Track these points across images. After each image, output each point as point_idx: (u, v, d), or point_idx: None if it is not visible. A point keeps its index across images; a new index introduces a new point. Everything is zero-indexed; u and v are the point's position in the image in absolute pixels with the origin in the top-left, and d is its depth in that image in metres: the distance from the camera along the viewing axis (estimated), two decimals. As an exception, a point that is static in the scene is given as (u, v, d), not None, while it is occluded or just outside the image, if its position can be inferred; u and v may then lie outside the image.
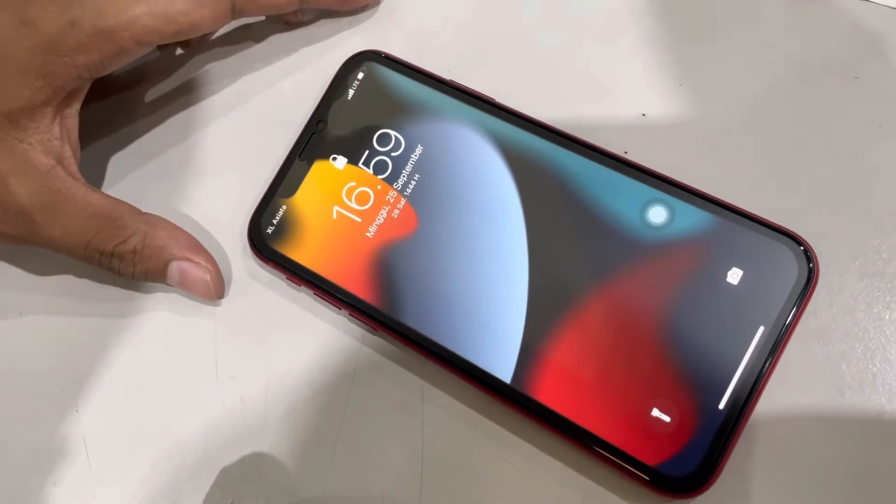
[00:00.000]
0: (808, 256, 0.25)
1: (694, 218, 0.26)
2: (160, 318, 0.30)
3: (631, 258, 0.26)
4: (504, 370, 0.26)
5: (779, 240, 0.25)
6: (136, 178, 0.32)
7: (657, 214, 0.27)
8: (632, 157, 0.28)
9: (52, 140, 0.27)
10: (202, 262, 0.29)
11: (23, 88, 0.26)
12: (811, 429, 0.25)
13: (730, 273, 0.25)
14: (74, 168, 0.28)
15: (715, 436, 0.24)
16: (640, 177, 0.27)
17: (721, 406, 0.24)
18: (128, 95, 0.33)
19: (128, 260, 0.29)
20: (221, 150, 0.32)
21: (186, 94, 0.33)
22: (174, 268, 0.29)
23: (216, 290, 0.30)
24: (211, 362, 0.30)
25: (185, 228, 0.30)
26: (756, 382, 0.24)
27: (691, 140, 0.29)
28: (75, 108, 0.28)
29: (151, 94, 0.33)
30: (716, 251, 0.26)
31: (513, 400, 0.26)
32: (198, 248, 0.30)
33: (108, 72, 0.28)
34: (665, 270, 0.26)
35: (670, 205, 0.27)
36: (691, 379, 0.25)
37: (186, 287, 0.30)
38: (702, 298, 0.25)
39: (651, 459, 0.25)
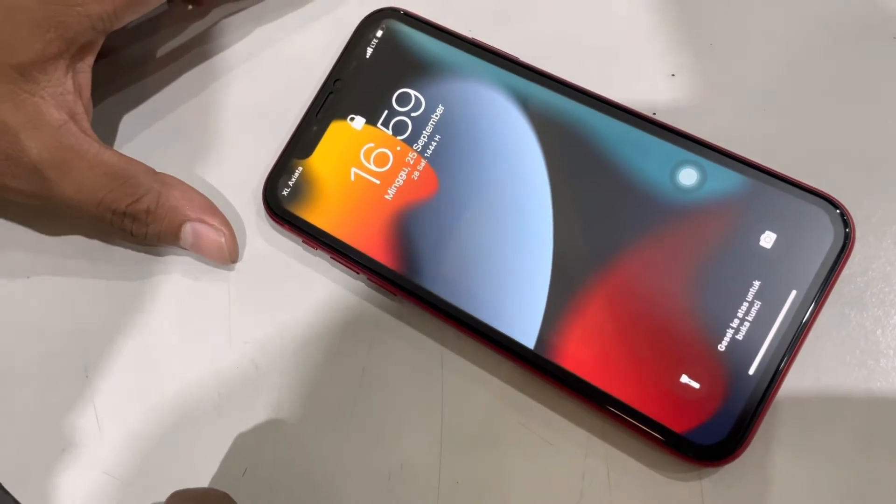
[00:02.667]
0: (845, 220, 0.24)
1: (726, 180, 0.25)
2: (172, 282, 0.30)
3: (660, 221, 0.25)
4: (527, 335, 0.26)
5: (814, 202, 0.25)
6: (147, 137, 0.31)
7: (688, 176, 0.26)
8: (661, 118, 0.27)
9: (64, 94, 0.26)
10: (217, 224, 0.29)
11: (34, 40, 0.25)
12: (844, 398, 0.25)
13: (763, 236, 0.25)
14: (87, 124, 0.27)
15: (745, 403, 0.24)
16: (671, 137, 0.26)
17: (752, 373, 0.24)
18: (139, 53, 0.32)
19: (140, 220, 0.28)
20: (235, 110, 0.31)
21: (199, 52, 0.32)
22: (188, 229, 0.28)
23: (231, 253, 0.29)
24: (224, 327, 0.29)
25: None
26: (788, 349, 0.24)
27: (722, 101, 0.28)
28: (88, 62, 0.27)
29: (163, 51, 0.32)
30: (748, 214, 0.25)
31: (536, 366, 0.25)
32: (212, 209, 0.29)
33: (122, 24, 0.27)
34: (696, 233, 0.25)
35: (701, 166, 0.26)
36: (722, 345, 0.24)
37: (200, 250, 0.29)
38: (734, 262, 0.25)
39: (679, 426, 0.24)
